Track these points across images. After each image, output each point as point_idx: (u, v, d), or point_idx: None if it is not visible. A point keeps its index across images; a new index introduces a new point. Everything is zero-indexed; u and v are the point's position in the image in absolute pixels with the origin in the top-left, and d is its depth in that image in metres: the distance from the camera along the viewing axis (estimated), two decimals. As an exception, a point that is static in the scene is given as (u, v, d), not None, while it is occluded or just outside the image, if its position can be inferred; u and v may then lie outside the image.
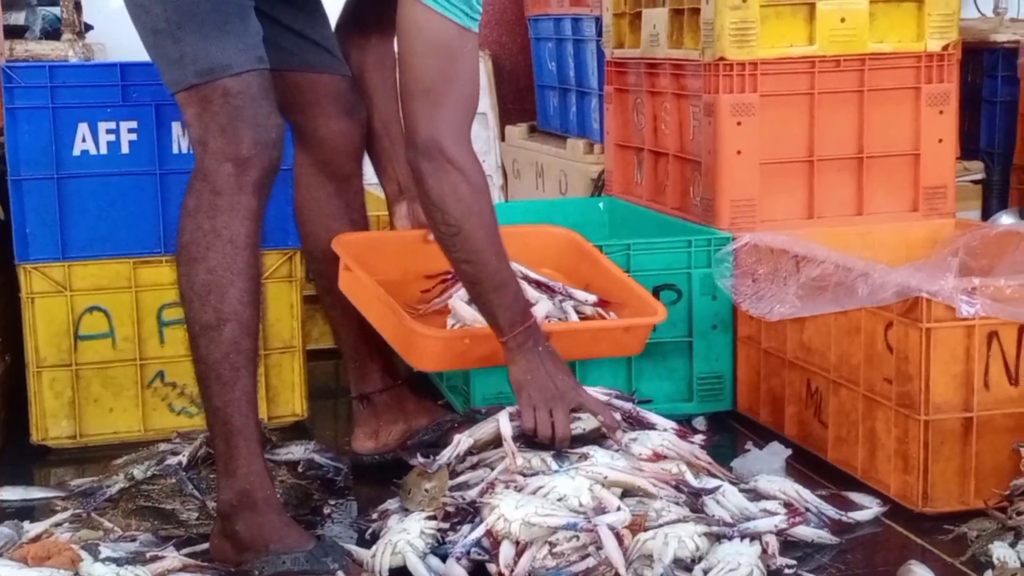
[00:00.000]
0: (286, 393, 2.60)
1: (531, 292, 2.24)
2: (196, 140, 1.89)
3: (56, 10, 3.77)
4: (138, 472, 2.16)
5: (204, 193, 1.87)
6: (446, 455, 2.00)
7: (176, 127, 2.48)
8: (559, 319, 2.27)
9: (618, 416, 2.04)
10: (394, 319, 2.11)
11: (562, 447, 1.96)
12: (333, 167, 2.26)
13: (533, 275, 2.30)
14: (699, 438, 2.07)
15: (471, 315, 2.16)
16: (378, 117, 2.30)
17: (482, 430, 2.03)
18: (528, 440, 2.00)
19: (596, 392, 2.07)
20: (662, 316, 2.24)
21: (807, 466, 2.26)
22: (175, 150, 2.48)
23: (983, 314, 1.99)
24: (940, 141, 2.68)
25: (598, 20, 3.51)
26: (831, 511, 2.01)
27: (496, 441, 2.00)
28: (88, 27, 3.91)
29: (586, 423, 2.02)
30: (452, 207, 1.94)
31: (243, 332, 1.86)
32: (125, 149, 2.46)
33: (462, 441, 2.00)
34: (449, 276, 2.27)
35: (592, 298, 2.31)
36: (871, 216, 2.68)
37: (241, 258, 1.86)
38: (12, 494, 2.22)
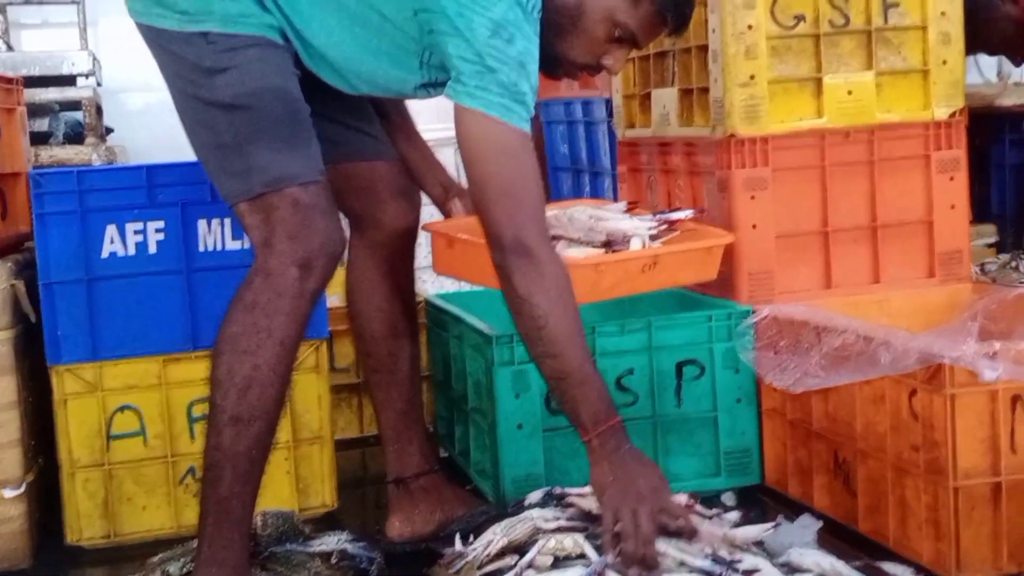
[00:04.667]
0: (316, 484, 2.61)
1: (628, 224, 2.45)
2: (260, 242, 1.96)
3: (78, 115, 3.86)
4: (174, 569, 2.17)
5: (264, 291, 1.93)
6: (478, 550, 1.99)
7: (202, 225, 2.53)
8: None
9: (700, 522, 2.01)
10: None
11: (647, 553, 1.90)
12: (387, 248, 2.35)
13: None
14: (733, 515, 2.07)
15: (575, 256, 2.34)
16: (403, 135, 2.41)
17: (517, 530, 2.01)
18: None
19: (681, 498, 2.06)
20: (730, 237, 2.54)
21: (839, 537, 2.26)
22: (202, 248, 2.53)
23: (1005, 378, 2.01)
24: (952, 207, 2.71)
25: (608, 102, 3.58)
26: (867, 582, 2.01)
27: (530, 540, 1.99)
28: (109, 130, 3.99)
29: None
30: (539, 301, 1.96)
31: (269, 430, 1.93)
32: (153, 249, 2.51)
33: (496, 540, 1.99)
34: None
35: (688, 213, 2.59)
36: (888, 284, 2.70)
37: (287, 361, 1.93)
38: (50, 596, 2.24)
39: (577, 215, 2.53)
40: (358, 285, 2.37)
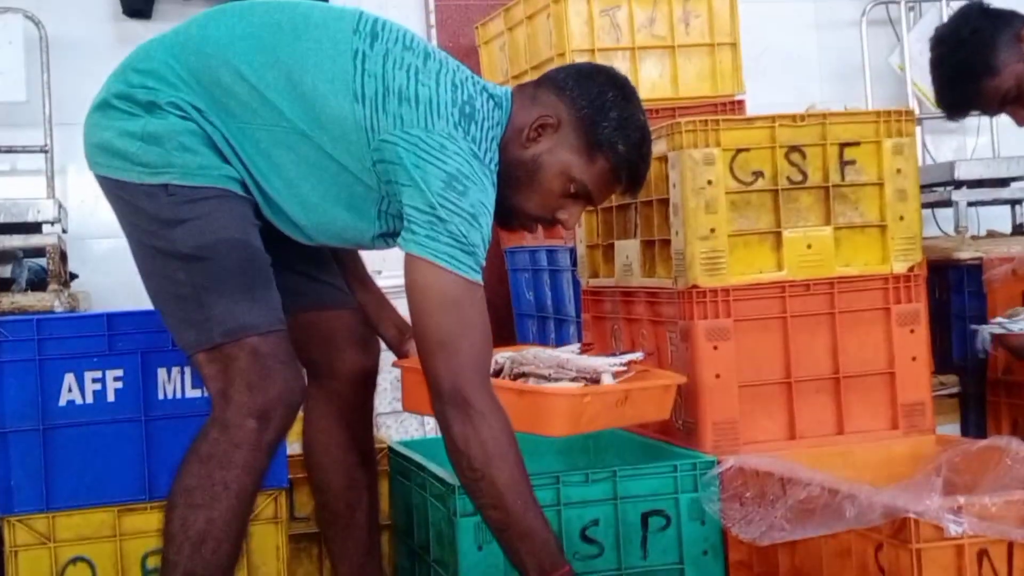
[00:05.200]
0: (272, 639, 2.55)
1: (598, 362, 2.48)
2: (218, 393, 1.95)
3: (42, 261, 3.85)
4: None
5: (221, 443, 1.91)
6: None
7: (162, 373, 2.51)
8: None
9: None
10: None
11: None
12: (345, 398, 2.34)
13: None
14: None
15: (559, 387, 2.37)
16: (356, 280, 2.43)
17: None
18: None
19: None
20: (683, 378, 2.59)
21: None
22: (161, 396, 2.51)
23: (971, 532, 1.99)
24: (914, 359, 2.72)
25: (572, 251, 3.61)
26: None
27: None
28: (73, 276, 3.98)
29: None
30: (476, 452, 1.96)
31: None
32: (111, 397, 2.48)
33: None
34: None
35: (640, 355, 2.59)
36: (852, 435, 2.69)
37: (242, 515, 1.90)
38: None
39: (540, 354, 2.54)
40: (315, 436, 2.35)
